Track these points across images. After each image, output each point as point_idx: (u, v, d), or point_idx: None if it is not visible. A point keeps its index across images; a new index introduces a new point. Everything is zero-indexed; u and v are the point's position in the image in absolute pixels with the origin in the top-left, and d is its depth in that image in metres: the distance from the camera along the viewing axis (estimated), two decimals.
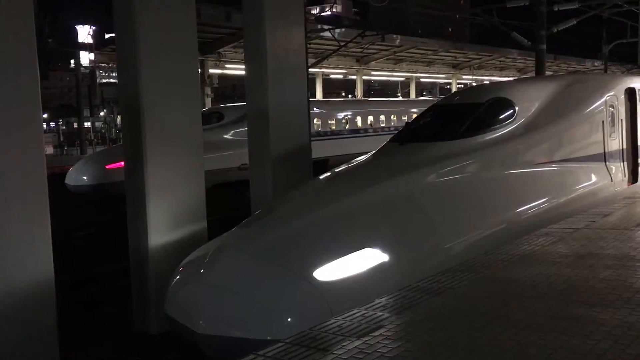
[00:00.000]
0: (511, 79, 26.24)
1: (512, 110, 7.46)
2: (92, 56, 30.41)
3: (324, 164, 14.60)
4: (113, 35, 7.25)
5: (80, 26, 34.72)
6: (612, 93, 8.61)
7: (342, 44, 17.70)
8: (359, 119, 19.67)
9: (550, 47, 18.45)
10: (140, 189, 6.71)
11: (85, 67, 32.40)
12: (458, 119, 7.34)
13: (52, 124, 45.16)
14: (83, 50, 31.73)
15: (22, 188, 5.55)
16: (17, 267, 5.50)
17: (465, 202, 6.27)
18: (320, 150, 13.84)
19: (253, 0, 8.11)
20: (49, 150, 28.13)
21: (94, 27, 33.85)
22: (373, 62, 23.22)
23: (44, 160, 5.78)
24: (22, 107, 5.57)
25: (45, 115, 43.11)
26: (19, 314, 5.49)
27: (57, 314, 5.85)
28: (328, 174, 7.05)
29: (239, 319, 4.60)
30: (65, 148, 33.05)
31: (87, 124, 37.17)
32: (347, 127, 19.35)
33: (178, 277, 5.41)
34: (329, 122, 18.70)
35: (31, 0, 5.69)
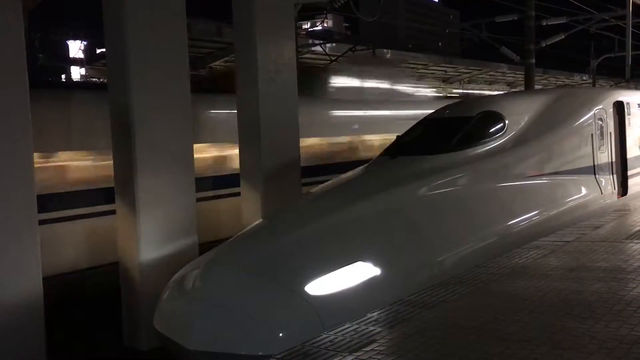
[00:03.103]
0: (501, 92, 26.44)
1: (502, 124, 7.51)
2: (83, 71, 30.39)
3: None
4: (104, 50, 7.24)
5: (72, 41, 34.73)
6: (600, 106, 8.68)
7: (333, 58, 17.77)
8: None
9: (539, 62, 18.63)
10: (130, 204, 6.68)
11: (76, 82, 32.35)
12: (449, 133, 7.37)
13: None
14: (74, 65, 31.71)
15: (11, 203, 5.51)
16: (4, 283, 5.45)
17: (456, 215, 6.28)
18: None
19: (244, 15, 8.15)
20: None
21: (85, 42, 33.88)
22: None
23: (33, 175, 5.75)
24: (11, 121, 5.55)
25: None
26: (6, 331, 5.42)
27: (45, 331, 5.79)
28: (320, 188, 7.04)
29: (230, 335, 4.56)
30: None
31: None
32: None
33: (168, 292, 5.37)
34: None
35: (21, 15, 5.69)
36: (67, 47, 34.78)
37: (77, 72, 31.47)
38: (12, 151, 5.54)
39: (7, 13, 5.54)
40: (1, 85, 5.47)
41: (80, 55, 32.51)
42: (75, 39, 34.82)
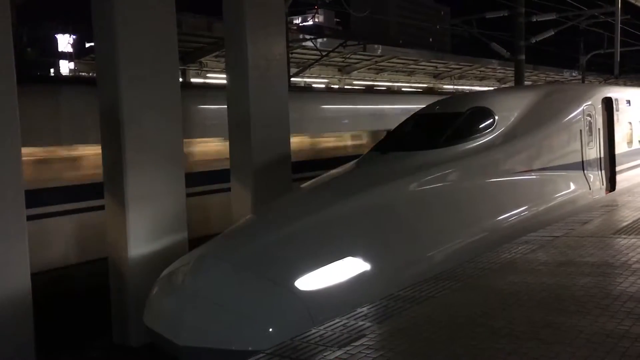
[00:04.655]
0: (491, 88, 26.56)
1: (491, 120, 7.53)
2: (72, 65, 30.10)
3: None
4: (93, 44, 7.19)
5: (61, 35, 34.37)
6: (589, 103, 8.74)
7: (324, 53, 17.74)
8: None
9: (529, 58, 18.71)
10: (119, 199, 6.64)
11: (65, 76, 32.04)
12: (439, 128, 7.39)
13: None
14: (63, 59, 31.40)
15: None
16: None
17: (446, 210, 6.30)
18: None
19: (234, 10, 8.10)
20: None
21: (74, 36, 33.54)
22: (355, 72, 23.33)
23: (21, 174, 5.70)
24: None
25: None
26: None
27: (34, 328, 5.76)
28: (310, 183, 7.04)
29: (219, 330, 4.56)
30: None
31: None
32: None
33: (158, 288, 5.36)
34: None
35: (8, 8, 5.64)
36: (55, 41, 34.42)
37: (65, 67, 31.18)
38: (0, 151, 5.49)
39: None
40: None
41: (69, 49, 32.18)
42: (64, 32, 34.45)
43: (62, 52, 32.35)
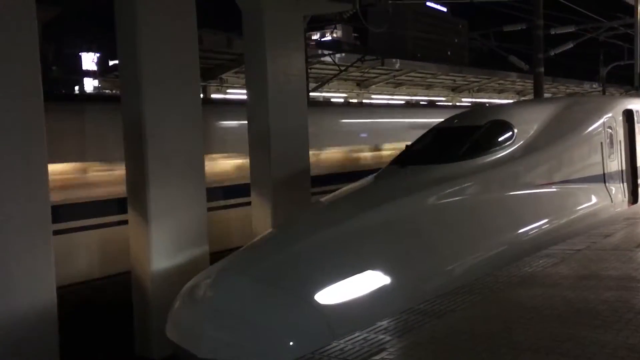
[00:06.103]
0: (510, 101, 26.42)
1: (511, 133, 7.52)
2: (96, 83, 30.64)
3: None
4: (117, 62, 7.36)
5: (85, 53, 35.09)
6: (610, 115, 8.67)
7: (342, 68, 17.84)
8: None
9: (548, 70, 18.60)
10: (142, 214, 6.75)
11: (89, 94, 32.58)
12: (458, 142, 7.39)
13: None
14: (87, 77, 31.98)
15: (25, 215, 5.59)
16: (19, 292, 5.52)
17: (466, 224, 6.29)
18: None
19: (254, 27, 8.24)
20: None
21: (98, 54, 34.21)
22: (373, 86, 23.39)
23: (47, 188, 5.84)
24: (26, 135, 5.64)
25: None
26: (21, 341, 5.49)
27: (59, 340, 5.85)
28: (329, 197, 7.08)
29: (240, 343, 4.59)
30: None
31: None
32: None
33: (180, 301, 5.42)
34: None
35: (36, 27, 5.81)
36: (80, 59, 35.16)
37: (90, 84, 31.76)
38: (27, 162, 5.63)
39: (22, 26, 5.65)
40: (16, 97, 5.57)
41: (93, 67, 32.82)
42: (88, 51, 35.21)
43: (86, 70, 33.02)
